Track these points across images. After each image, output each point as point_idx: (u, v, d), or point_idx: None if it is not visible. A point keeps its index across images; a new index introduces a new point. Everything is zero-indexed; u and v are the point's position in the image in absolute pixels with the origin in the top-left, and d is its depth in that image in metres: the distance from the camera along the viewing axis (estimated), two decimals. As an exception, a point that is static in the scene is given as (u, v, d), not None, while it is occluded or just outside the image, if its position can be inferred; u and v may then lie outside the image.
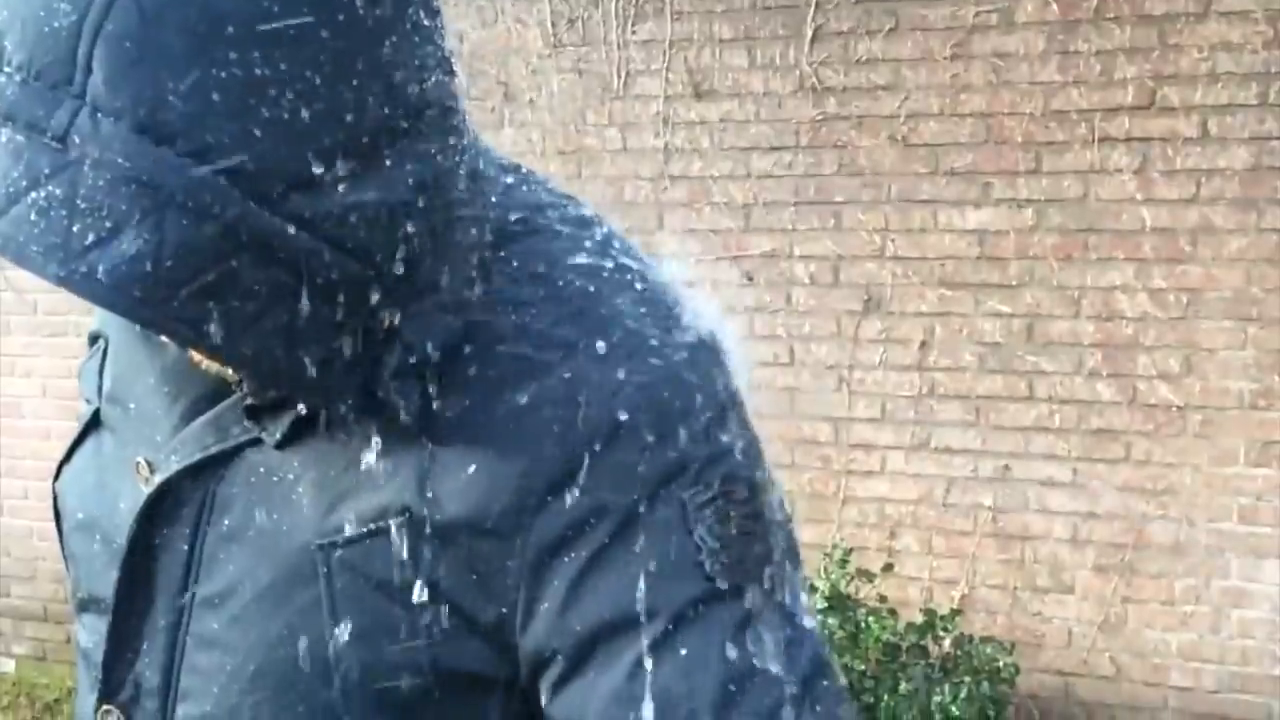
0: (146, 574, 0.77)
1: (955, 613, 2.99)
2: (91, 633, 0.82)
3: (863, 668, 2.78)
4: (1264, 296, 3.24)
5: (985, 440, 3.54)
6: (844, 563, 2.94)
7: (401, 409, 0.68)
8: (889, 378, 3.65)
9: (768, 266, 3.73)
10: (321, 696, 0.71)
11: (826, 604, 2.88)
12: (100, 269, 0.56)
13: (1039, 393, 3.48)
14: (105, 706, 0.79)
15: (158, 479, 0.76)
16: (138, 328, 0.81)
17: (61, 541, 0.87)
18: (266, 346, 0.60)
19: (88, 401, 0.87)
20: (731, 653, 0.66)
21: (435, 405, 0.69)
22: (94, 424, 0.85)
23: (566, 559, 0.67)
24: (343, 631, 0.70)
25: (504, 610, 0.69)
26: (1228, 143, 3.25)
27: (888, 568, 3.28)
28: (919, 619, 2.95)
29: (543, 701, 0.70)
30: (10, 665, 4.53)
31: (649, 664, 0.66)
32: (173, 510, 0.76)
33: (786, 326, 3.74)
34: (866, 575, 2.99)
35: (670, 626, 0.66)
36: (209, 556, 0.75)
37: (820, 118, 3.64)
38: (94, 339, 0.90)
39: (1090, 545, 3.46)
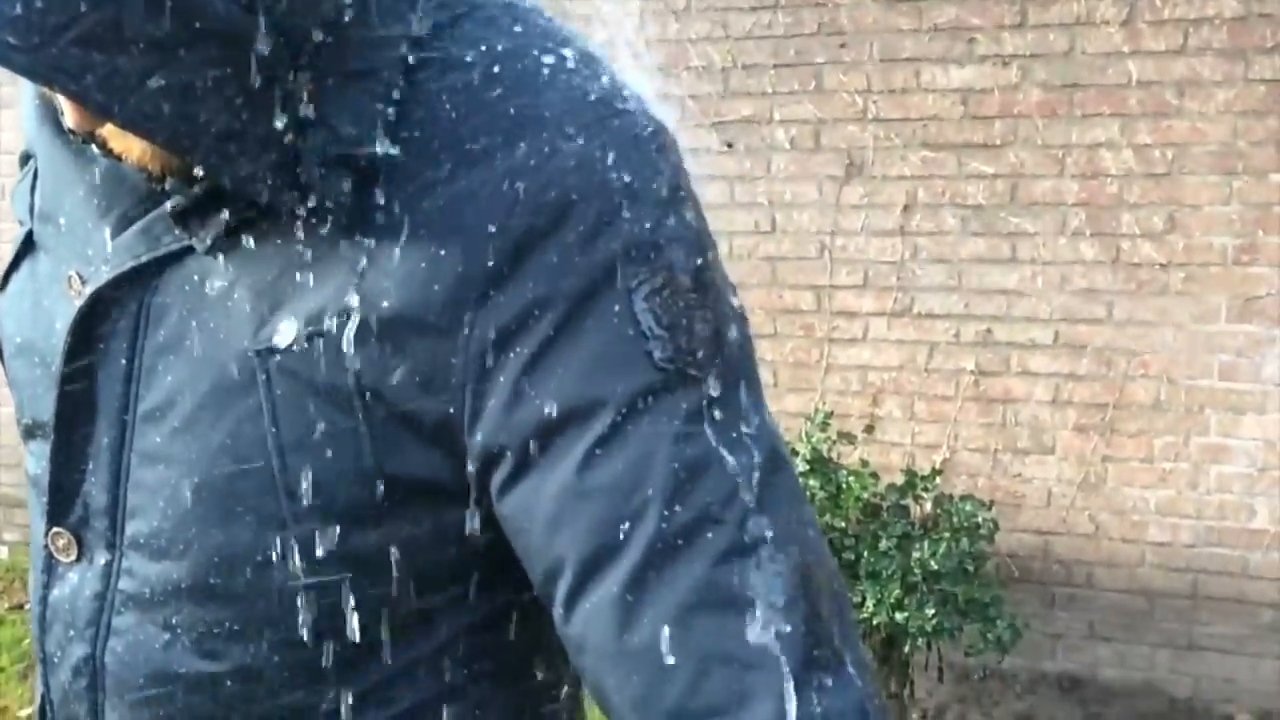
0: (86, 392, 0.75)
1: (936, 472, 3.01)
2: (38, 459, 0.80)
3: (843, 526, 2.81)
4: (1250, 149, 3.20)
5: (968, 304, 3.53)
6: (825, 425, 2.95)
7: (332, 201, 0.65)
8: (871, 243, 3.61)
9: (747, 132, 3.66)
10: (269, 508, 0.70)
11: (808, 466, 2.89)
12: None
13: (1021, 255, 3.45)
14: (55, 529, 0.78)
15: (89, 291, 0.73)
16: (64, 142, 0.78)
17: (5, 369, 0.85)
18: (159, 107, 0.57)
19: (20, 223, 0.84)
20: (683, 442, 0.64)
21: (368, 199, 0.66)
22: (28, 246, 0.82)
23: (512, 354, 0.65)
24: (285, 440, 0.69)
25: (450, 410, 0.67)
26: (1217, -11, 3.17)
27: (869, 429, 3.30)
28: (900, 480, 2.97)
29: (494, 502, 0.69)
30: (3, 551, 4.57)
31: (598, 456, 0.64)
32: (107, 324, 0.73)
33: (768, 194, 3.69)
34: (848, 438, 3.00)
35: (619, 417, 0.64)
36: (147, 369, 0.73)
37: (800, -26, 3.53)
38: (25, 159, 0.86)
39: (1071, 406, 3.47)
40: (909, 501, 2.93)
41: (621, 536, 0.64)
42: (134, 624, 0.75)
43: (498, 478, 0.67)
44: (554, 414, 0.64)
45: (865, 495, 2.83)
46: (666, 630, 0.63)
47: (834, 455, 3.11)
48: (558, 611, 0.67)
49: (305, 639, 0.72)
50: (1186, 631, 3.47)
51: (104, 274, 0.73)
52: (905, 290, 3.59)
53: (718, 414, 0.65)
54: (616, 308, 0.64)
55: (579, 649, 0.67)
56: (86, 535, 0.76)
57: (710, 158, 3.67)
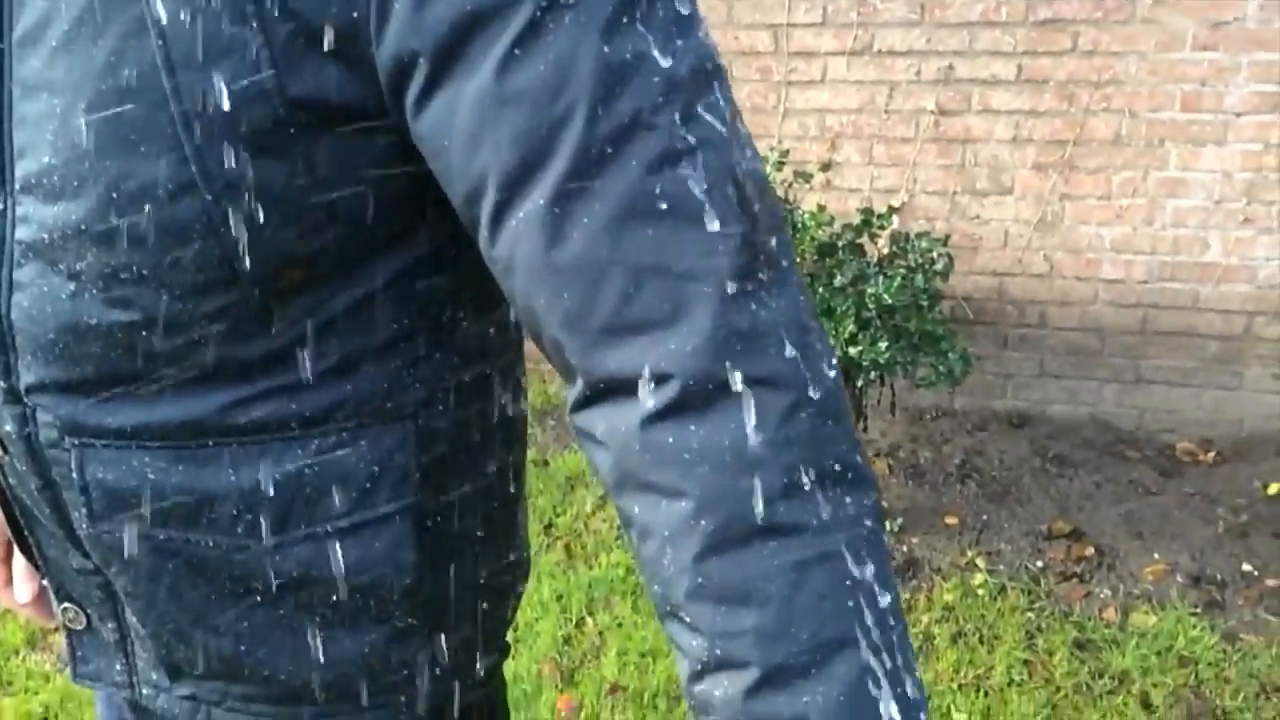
0: (-46, 20, 0.67)
1: (892, 210, 2.98)
2: None
3: (799, 264, 2.80)
4: None
5: (929, 39, 3.42)
6: (781, 165, 2.89)
7: None
8: (831, -23, 3.46)
9: None
10: (165, 134, 0.64)
11: (765, 206, 2.85)
12: None
13: (986, -16, 3.32)
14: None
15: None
16: None
17: None
18: None
19: None
20: (611, 39, 0.58)
21: None
22: None
23: (418, -57, 0.58)
24: (174, 54, 0.62)
25: (354, 16, 0.61)
26: None
27: (825, 168, 3.24)
28: (857, 221, 2.94)
29: (409, 122, 0.63)
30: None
31: (517, 56, 0.59)
32: (-32, -64, 0.66)
33: (722, -75, 3.50)
34: (804, 176, 2.95)
35: (539, 12, 0.58)
36: (16, -14, 0.65)
37: None
38: None
39: (1031, 144, 3.42)
40: (865, 240, 2.91)
41: (546, 145, 0.59)
42: (37, 275, 0.70)
43: (411, 92, 0.62)
44: (467, 10, 0.58)
45: (821, 235, 2.80)
46: (597, 242, 0.59)
47: (791, 197, 3.06)
48: (483, 234, 0.63)
49: (218, 282, 0.68)
50: (1134, 366, 3.55)
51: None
52: (865, 27, 3.46)
53: (648, 12, 0.60)
54: None
55: (507, 271, 0.63)
56: None
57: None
